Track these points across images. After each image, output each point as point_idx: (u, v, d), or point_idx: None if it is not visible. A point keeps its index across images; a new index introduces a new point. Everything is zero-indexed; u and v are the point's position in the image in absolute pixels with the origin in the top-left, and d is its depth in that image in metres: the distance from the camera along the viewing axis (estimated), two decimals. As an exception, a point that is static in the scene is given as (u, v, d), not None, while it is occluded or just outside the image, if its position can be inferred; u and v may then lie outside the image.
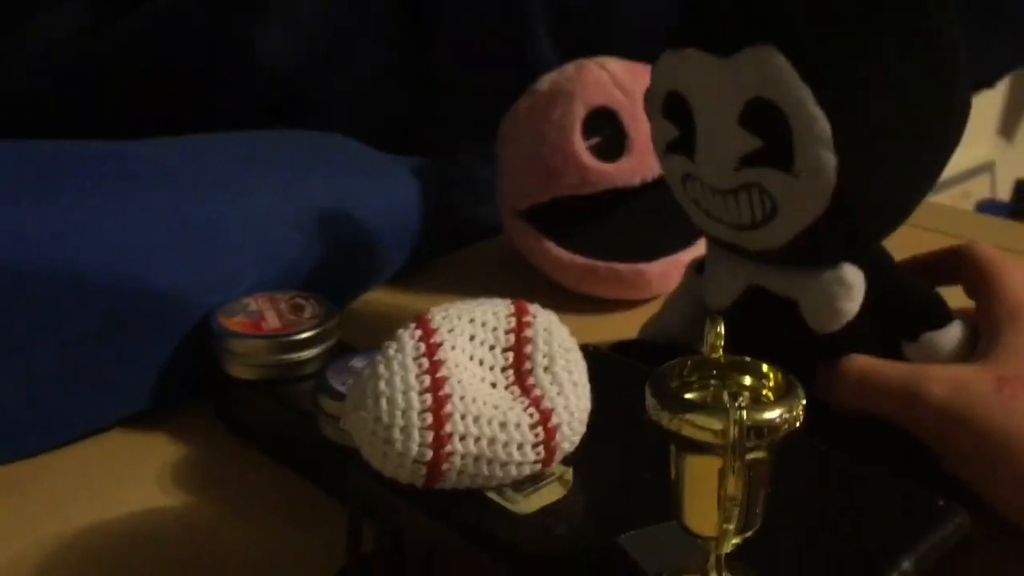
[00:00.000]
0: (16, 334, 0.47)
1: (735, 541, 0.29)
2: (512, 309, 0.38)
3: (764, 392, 0.29)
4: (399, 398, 0.35)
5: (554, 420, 0.36)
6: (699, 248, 0.63)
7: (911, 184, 0.42)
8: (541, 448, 0.36)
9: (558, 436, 0.36)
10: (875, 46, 0.38)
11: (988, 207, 1.50)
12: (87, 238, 0.48)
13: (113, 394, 0.51)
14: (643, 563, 0.33)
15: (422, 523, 0.36)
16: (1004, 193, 1.61)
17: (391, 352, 0.36)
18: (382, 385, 0.35)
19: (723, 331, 0.30)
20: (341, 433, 0.45)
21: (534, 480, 0.36)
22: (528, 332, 0.38)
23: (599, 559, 0.33)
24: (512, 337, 0.38)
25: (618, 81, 0.63)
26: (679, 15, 0.43)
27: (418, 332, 0.36)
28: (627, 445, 0.39)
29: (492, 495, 0.36)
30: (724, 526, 0.28)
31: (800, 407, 0.28)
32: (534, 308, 0.39)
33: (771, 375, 0.29)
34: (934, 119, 0.40)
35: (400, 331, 0.36)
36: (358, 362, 0.47)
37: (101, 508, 0.46)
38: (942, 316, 0.44)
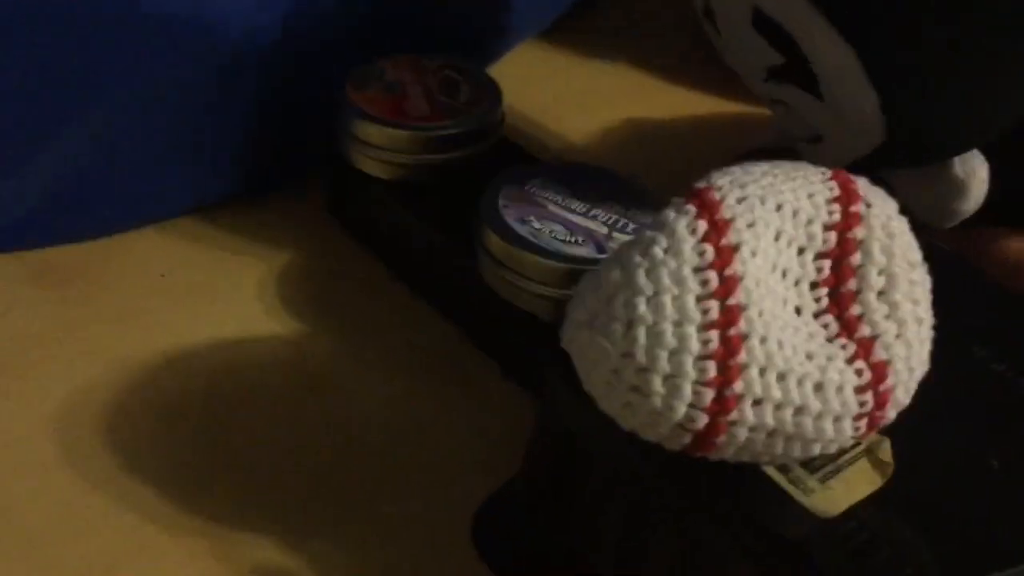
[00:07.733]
0: (93, 80, 0.34)
1: None
2: (836, 192, 0.24)
3: None
4: (668, 332, 0.22)
5: (889, 380, 0.23)
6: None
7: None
8: (863, 422, 0.23)
9: (889, 404, 0.24)
10: None
11: None
12: None
13: (208, 169, 0.38)
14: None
15: (666, 497, 0.25)
16: None
17: (659, 253, 0.23)
18: (641, 307, 0.22)
19: None
20: (508, 287, 0.33)
21: (833, 457, 0.24)
22: (859, 232, 0.24)
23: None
24: (833, 237, 0.24)
25: None
26: None
27: (702, 224, 0.23)
28: (961, 409, 0.26)
29: (773, 473, 0.24)
30: None
31: None
32: (866, 190, 0.25)
33: None
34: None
35: (671, 214, 0.23)
36: (536, 188, 0.34)
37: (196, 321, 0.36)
38: None
